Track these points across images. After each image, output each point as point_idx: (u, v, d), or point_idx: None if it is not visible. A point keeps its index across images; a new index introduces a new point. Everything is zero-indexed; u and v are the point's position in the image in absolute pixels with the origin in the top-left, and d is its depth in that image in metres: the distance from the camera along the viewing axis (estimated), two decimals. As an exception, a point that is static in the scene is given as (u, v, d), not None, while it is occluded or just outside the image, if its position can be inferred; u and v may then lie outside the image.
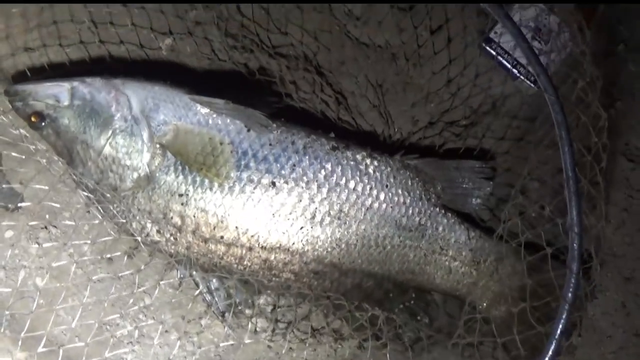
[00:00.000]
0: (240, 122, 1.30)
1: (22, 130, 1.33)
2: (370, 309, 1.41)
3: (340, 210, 1.34)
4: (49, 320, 1.33)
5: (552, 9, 1.47)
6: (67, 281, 1.39)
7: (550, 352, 1.18)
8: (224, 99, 1.27)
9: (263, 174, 1.30)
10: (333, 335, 1.51)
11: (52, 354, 1.30)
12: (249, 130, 1.31)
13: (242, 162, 1.29)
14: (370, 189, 1.37)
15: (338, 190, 1.34)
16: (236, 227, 1.31)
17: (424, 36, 1.57)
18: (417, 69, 1.58)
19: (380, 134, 1.58)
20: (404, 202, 1.40)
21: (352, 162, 1.37)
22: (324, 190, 1.33)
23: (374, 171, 1.38)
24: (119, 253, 1.46)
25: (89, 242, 1.42)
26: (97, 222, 1.40)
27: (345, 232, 1.36)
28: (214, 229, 1.30)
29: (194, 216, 1.30)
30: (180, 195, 1.29)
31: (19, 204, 1.45)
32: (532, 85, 1.54)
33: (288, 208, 1.31)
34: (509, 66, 1.54)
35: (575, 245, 1.19)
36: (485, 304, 1.46)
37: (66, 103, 1.30)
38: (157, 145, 1.29)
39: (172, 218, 1.30)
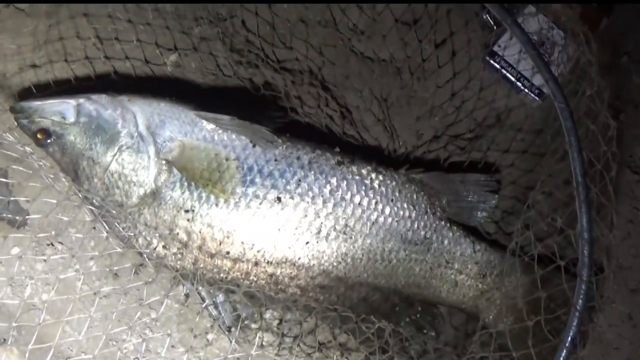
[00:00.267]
0: (245, 138, 1.31)
1: (28, 148, 1.33)
2: (377, 321, 1.41)
3: (346, 225, 1.35)
4: (56, 335, 1.32)
5: (556, 22, 1.47)
6: (73, 296, 1.39)
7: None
8: (230, 115, 1.28)
9: (269, 189, 1.30)
10: (340, 349, 1.51)
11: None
12: (254, 146, 1.31)
13: (248, 178, 1.30)
14: (376, 203, 1.37)
15: (343, 204, 1.34)
16: (242, 243, 1.31)
17: (428, 50, 1.58)
18: (422, 82, 1.59)
19: (385, 148, 1.58)
20: (410, 216, 1.40)
21: (357, 177, 1.37)
22: (330, 205, 1.33)
23: (379, 185, 1.38)
24: (125, 267, 1.46)
25: (96, 254, 1.42)
26: (103, 237, 1.40)
27: (351, 247, 1.36)
28: (220, 244, 1.31)
29: (200, 232, 1.30)
30: (187, 211, 1.29)
31: (26, 217, 1.45)
32: (536, 98, 1.55)
33: (294, 223, 1.32)
34: (513, 79, 1.55)
35: (585, 252, 1.18)
36: (491, 317, 1.46)
37: (72, 120, 1.30)
38: (163, 162, 1.29)
39: (178, 234, 1.31)
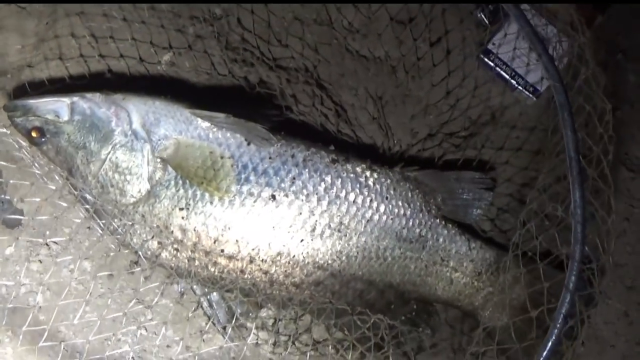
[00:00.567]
0: (240, 136, 1.31)
1: (24, 151, 1.33)
2: (372, 315, 1.40)
3: (341, 223, 1.34)
4: (51, 335, 1.32)
5: (549, 19, 1.47)
6: (67, 297, 1.39)
7: (551, 342, 1.14)
8: (225, 113, 1.27)
9: (263, 187, 1.30)
10: (335, 346, 1.50)
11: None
12: (249, 144, 1.31)
13: (243, 176, 1.30)
14: (371, 201, 1.37)
15: (338, 202, 1.34)
16: (237, 241, 1.31)
17: (423, 48, 1.58)
18: (417, 81, 1.59)
19: (380, 146, 1.58)
20: (404, 214, 1.40)
21: (352, 175, 1.37)
22: (324, 202, 1.33)
23: (374, 183, 1.38)
24: (119, 268, 1.46)
25: (90, 254, 1.42)
26: (97, 236, 1.40)
27: (346, 244, 1.36)
28: (215, 242, 1.30)
29: (195, 230, 1.30)
30: (181, 209, 1.29)
31: (20, 218, 1.44)
32: (530, 95, 1.55)
33: (288, 221, 1.32)
34: (507, 77, 1.55)
35: (578, 229, 1.16)
36: (487, 314, 1.46)
37: (66, 118, 1.30)
38: (158, 160, 1.29)
39: (173, 232, 1.30)
